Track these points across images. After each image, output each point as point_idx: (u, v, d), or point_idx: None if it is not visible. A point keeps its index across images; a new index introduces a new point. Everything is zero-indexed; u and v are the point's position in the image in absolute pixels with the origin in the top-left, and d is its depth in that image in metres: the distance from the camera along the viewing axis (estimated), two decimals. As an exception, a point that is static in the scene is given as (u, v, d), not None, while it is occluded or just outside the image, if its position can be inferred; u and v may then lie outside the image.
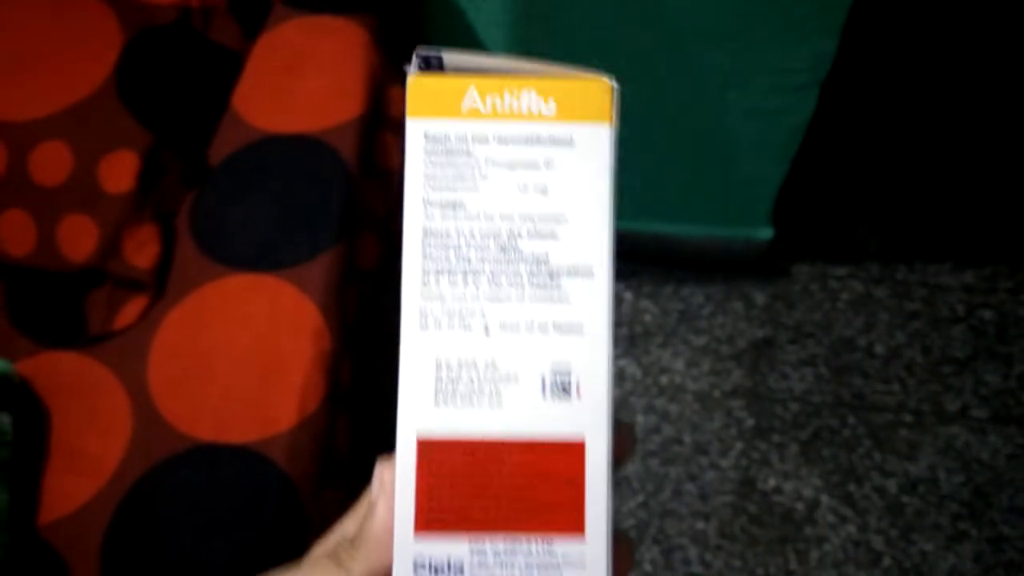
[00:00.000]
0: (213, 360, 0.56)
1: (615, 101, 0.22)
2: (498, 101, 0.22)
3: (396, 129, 0.66)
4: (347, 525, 0.23)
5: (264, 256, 0.58)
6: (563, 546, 0.21)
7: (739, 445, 0.99)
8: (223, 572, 0.51)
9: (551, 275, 0.22)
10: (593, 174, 0.22)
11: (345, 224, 0.59)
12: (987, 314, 1.04)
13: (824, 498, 0.96)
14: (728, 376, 1.02)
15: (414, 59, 0.22)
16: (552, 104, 0.22)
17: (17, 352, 0.58)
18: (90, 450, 0.54)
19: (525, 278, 0.22)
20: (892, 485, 0.96)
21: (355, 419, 0.58)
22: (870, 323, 1.04)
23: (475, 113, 0.22)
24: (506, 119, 0.22)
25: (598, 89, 0.22)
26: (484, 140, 0.22)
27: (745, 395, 1.01)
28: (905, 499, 0.96)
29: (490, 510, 0.21)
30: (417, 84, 0.22)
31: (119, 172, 0.58)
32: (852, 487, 0.96)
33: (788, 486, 0.97)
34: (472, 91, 0.22)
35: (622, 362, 1.03)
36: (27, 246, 0.58)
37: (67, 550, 0.52)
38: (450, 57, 0.22)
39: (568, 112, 0.22)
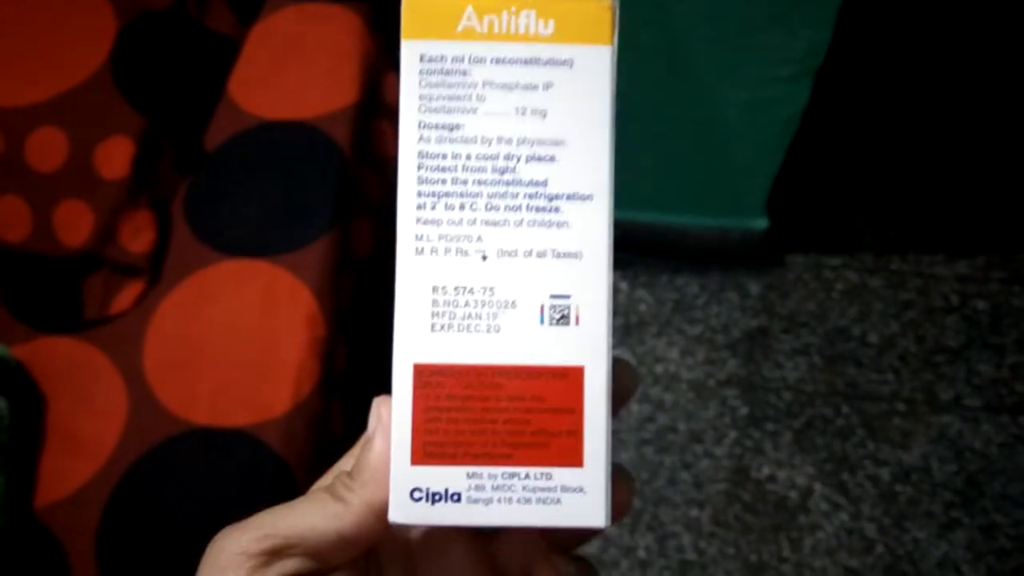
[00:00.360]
0: (208, 345, 0.56)
1: (615, 21, 0.22)
2: (496, 21, 0.22)
3: (391, 116, 0.66)
4: (345, 462, 0.23)
5: (259, 242, 0.59)
6: (561, 474, 0.21)
7: (733, 434, 0.99)
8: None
9: (550, 200, 0.22)
10: (593, 97, 0.22)
11: (340, 210, 0.60)
12: (980, 304, 1.04)
13: (817, 486, 0.97)
14: (723, 365, 1.03)
15: None
16: (551, 25, 0.22)
17: (14, 337, 0.58)
18: (86, 434, 0.55)
19: (523, 203, 0.22)
20: (885, 473, 0.97)
21: (350, 404, 0.59)
22: (864, 313, 1.04)
23: (471, 33, 0.22)
24: (504, 40, 0.22)
25: (598, 9, 0.22)
26: (481, 61, 0.22)
27: (739, 384, 1.02)
28: (898, 487, 0.96)
29: (488, 438, 0.21)
30: (412, 4, 0.22)
31: (115, 158, 0.58)
32: (845, 475, 0.97)
33: (782, 474, 0.97)
34: (469, 10, 0.22)
35: (617, 352, 1.03)
36: (23, 232, 0.58)
37: (63, 532, 0.53)
38: None
39: (568, 33, 0.22)
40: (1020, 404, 1.00)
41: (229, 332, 0.56)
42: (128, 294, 0.58)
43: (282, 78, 0.63)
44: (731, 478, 0.97)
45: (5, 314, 0.60)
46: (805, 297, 1.05)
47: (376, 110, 0.64)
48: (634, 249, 1.06)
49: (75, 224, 0.58)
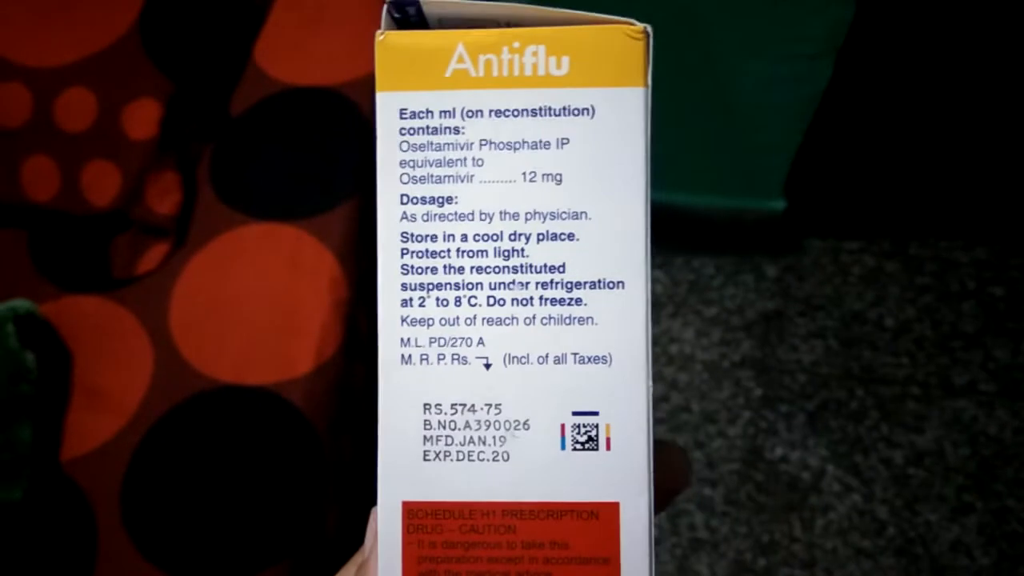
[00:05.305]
0: (233, 306, 0.57)
1: (648, 54, 0.18)
2: (494, 61, 0.17)
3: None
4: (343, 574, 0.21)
5: (283, 206, 0.59)
6: None
7: (747, 414, 0.99)
8: (241, 508, 0.52)
9: (569, 290, 0.18)
10: (622, 154, 0.18)
11: (363, 176, 0.60)
12: (997, 290, 1.04)
13: (830, 468, 0.97)
14: (737, 347, 1.03)
15: (385, 13, 0.17)
16: (566, 63, 0.17)
17: (41, 296, 0.59)
18: (112, 390, 0.56)
19: (535, 295, 0.17)
20: (898, 456, 0.97)
21: (372, 368, 0.59)
22: (880, 297, 1.04)
23: (464, 79, 0.17)
24: (506, 85, 0.17)
25: (625, 39, 0.18)
26: (477, 114, 0.17)
27: (754, 365, 1.02)
28: (911, 470, 0.96)
29: None
30: (388, 46, 0.17)
31: (142, 120, 0.59)
32: (858, 458, 0.97)
33: (795, 455, 0.97)
34: (460, 49, 0.17)
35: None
36: (51, 191, 0.59)
37: (89, 485, 0.54)
38: (432, 7, 0.17)
39: (587, 73, 0.17)
40: (1035, 390, 0.99)
41: (254, 293, 0.57)
42: (154, 254, 0.59)
43: (307, 44, 0.64)
44: (744, 458, 0.98)
45: (33, 272, 0.60)
46: (822, 280, 1.05)
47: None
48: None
49: (103, 184, 0.58)
